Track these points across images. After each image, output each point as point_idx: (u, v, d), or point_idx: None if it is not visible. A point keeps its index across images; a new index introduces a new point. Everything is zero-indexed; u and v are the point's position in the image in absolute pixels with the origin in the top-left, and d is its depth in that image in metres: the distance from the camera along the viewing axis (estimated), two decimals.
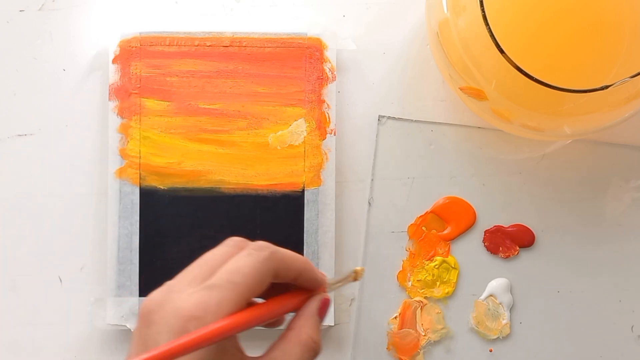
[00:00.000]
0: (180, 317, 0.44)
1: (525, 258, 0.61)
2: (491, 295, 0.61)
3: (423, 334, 0.61)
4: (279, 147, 0.60)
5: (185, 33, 0.60)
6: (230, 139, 0.60)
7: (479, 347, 0.61)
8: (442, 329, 0.61)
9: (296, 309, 0.49)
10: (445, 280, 0.61)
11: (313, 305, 0.49)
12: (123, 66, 0.60)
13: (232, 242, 0.48)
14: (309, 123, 0.60)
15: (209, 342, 0.43)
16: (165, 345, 0.42)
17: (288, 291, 0.49)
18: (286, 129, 0.60)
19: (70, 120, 0.61)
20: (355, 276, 0.50)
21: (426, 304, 0.61)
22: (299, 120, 0.60)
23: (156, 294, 0.46)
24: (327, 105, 0.60)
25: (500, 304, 0.61)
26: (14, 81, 0.61)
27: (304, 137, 0.60)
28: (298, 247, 0.59)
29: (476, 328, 0.61)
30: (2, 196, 0.61)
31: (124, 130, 0.60)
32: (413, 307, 0.61)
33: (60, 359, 0.61)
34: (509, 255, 0.61)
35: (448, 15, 0.53)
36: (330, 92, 0.60)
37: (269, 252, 0.47)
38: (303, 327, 0.48)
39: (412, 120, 0.61)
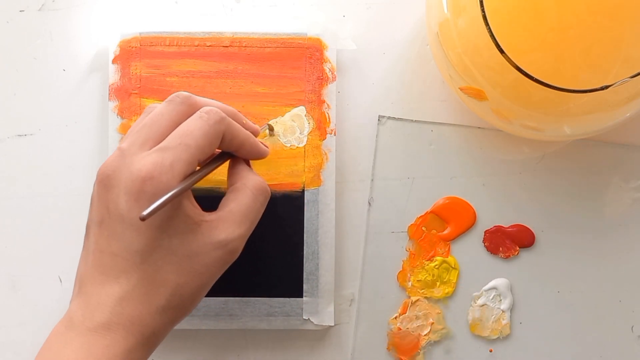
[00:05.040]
0: (137, 179, 0.46)
1: (525, 258, 0.61)
2: (492, 289, 0.61)
3: (423, 334, 0.61)
4: (279, 139, 0.60)
5: (185, 33, 0.60)
6: None
7: (479, 347, 0.61)
8: (442, 329, 0.61)
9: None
10: (445, 280, 0.61)
11: (240, 160, 0.53)
12: (123, 66, 0.60)
13: (179, 99, 0.50)
14: (309, 123, 0.60)
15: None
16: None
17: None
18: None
19: (70, 120, 0.61)
20: (270, 128, 0.58)
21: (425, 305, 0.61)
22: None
23: (111, 159, 0.48)
24: (327, 105, 0.60)
25: (500, 301, 0.61)
26: (14, 81, 0.61)
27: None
28: (298, 247, 0.59)
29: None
30: (2, 196, 0.61)
31: (124, 130, 0.60)
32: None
33: None
34: (509, 255, 0.61)
35: (448, 16, 0.53)
36: (330, 92, 0.60)
37: (219, 117, 0.49)
38: (245, 176, 0.51)
39: (412, 120, 0.61)
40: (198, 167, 0.50)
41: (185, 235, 0.48)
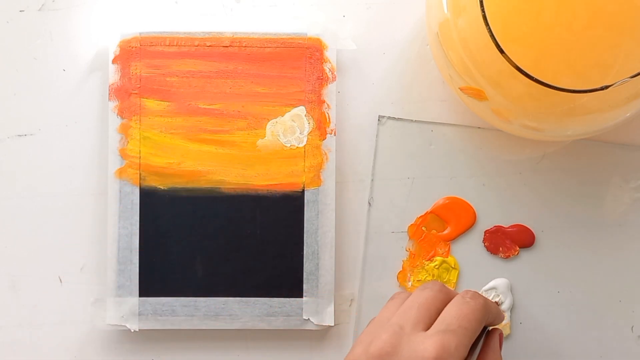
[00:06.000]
0: (424, 359, 0.48)
1: (525, 258, 0.61)
2: (492, 289, 0.61)
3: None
4: (279, 139, 0.60)
5: (185, 33, 0.60)
6: (230, 139, 0.60)
7: None
8: None
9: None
10: (445, 280, 0.61)
11: (495, 342, 0.54)
12: (123, 66, 0.60)
13: (437, 286, 0.53)
14: (309, 123, 0.60)
15: None
16: None
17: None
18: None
19: (70, 120, 0.61)
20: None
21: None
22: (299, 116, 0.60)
23: (388, 336, 0.49)
24: (327, 105, 0.60)
25: (500, 302, 0.61)
26: (14, 81, 0.61)
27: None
28: (298, 247, 0.59)
29: None
30: (2, 196, 0.61)
31: (124, 130, 0.60)
32: None
33: (60, 359, 0.61)
34: (509, 255, 0.61)
35: (448, 16, 0.53)
36: (330, 92, 0.60)
37: (483, 300, 0.52)
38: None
39: (412, 120, 0.61)
40: None
41: None
